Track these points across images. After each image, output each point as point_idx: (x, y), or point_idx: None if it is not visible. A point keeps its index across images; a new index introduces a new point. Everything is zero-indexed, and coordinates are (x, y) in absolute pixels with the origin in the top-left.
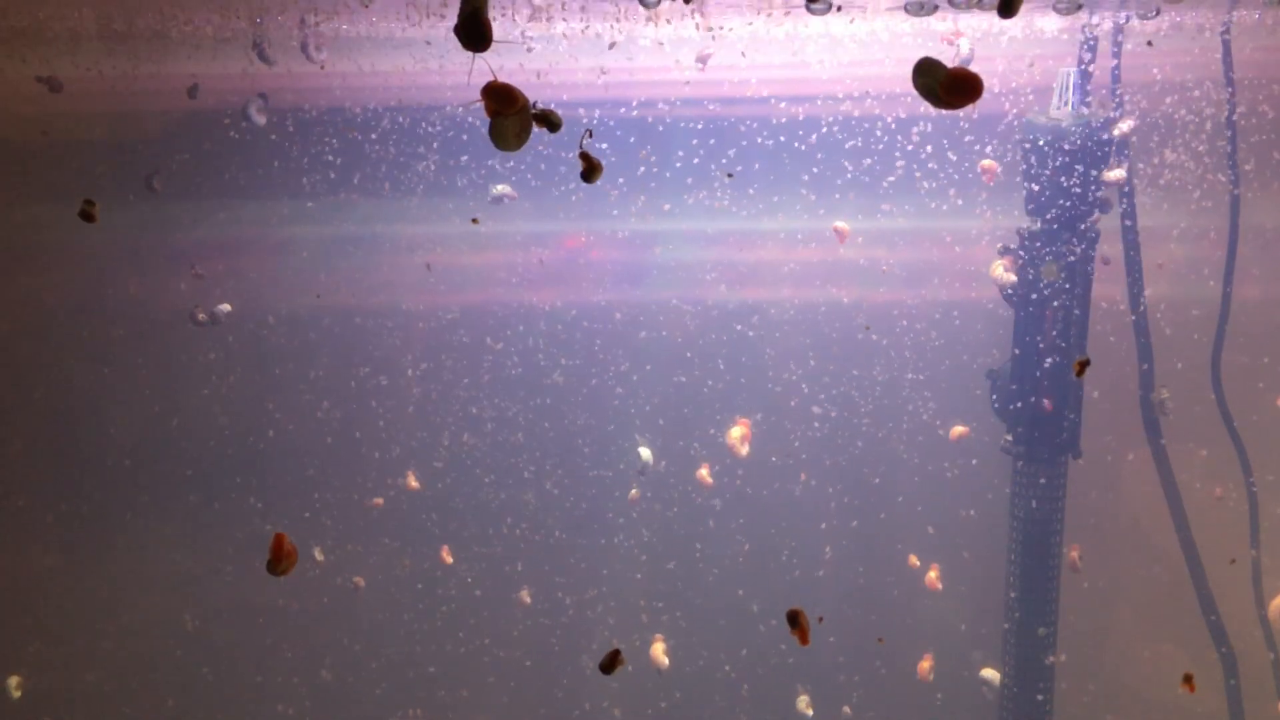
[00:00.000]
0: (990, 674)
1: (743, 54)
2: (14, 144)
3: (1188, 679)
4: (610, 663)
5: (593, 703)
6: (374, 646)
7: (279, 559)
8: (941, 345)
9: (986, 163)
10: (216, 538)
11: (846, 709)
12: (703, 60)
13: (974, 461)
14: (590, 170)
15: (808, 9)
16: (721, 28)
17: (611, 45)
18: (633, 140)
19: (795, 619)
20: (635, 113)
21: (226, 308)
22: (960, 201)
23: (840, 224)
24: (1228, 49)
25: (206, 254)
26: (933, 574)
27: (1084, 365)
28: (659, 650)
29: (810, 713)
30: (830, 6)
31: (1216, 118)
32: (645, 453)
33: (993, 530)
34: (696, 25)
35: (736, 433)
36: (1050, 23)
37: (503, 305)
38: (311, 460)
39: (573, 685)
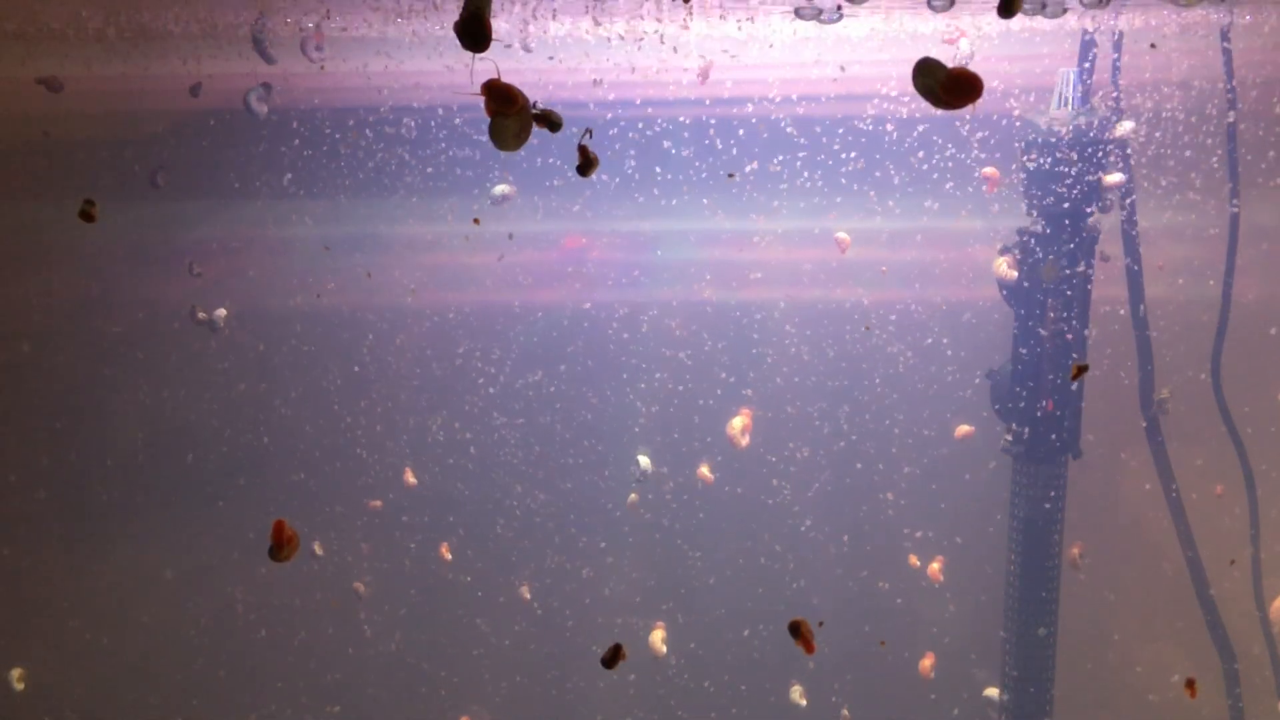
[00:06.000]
0: (993, 693)
1: (735, 55)
2: (14, 144)
3: (1189, 684)
4: (613, 657)
5: (591, 697)
6: (374, 644)
7: (280, 545)
8: (941, 345)
9: (988, 170)
10: (216, 536)
11: (845, 712)
12: (704, 74)
13: (974, 461)
14: (587, 164)
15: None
16: (748, 19)
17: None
18: (635, 140)
19: (797, 629)
20: (636, 112)
21: (223, 312)
22: (961, 202)
23: (841, 234)
24: (1228, 49)
25: (206, 254)
26: (935, 566)
27: (1081, 370)
28: (657, 639)
29: (804, 703)
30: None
31: (1216, 118)
32: (644, 460)
33: (993, 530)
34: (683, 22)
35: (738, 423)
36: (1050, 23)
37: (503, 305)
38: (311, 459)
39: (572, 680)
